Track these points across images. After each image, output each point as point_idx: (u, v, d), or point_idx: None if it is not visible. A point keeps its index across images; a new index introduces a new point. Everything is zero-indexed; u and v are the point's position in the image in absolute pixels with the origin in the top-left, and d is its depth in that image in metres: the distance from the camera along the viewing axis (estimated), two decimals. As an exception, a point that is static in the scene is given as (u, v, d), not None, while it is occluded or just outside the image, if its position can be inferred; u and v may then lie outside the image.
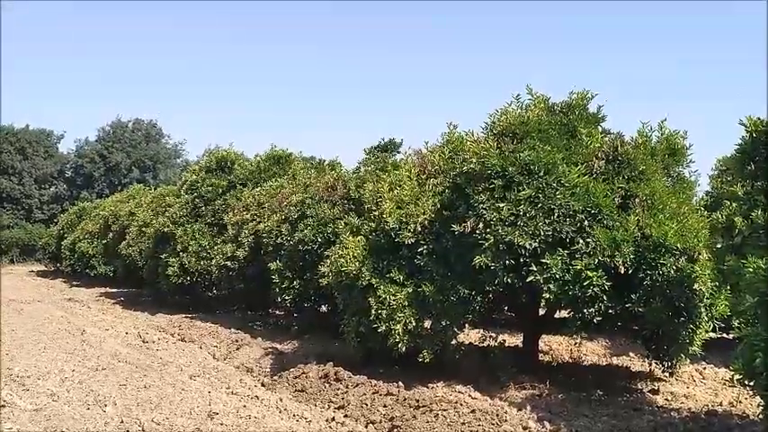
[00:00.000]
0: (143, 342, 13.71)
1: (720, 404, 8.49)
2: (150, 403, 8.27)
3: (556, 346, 11.90)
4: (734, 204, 6.75)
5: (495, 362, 9.92)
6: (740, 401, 8.36)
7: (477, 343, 11.58)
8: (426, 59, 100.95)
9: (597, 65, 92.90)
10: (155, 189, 27.13)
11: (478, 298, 9.00)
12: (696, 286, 7.98)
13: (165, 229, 18.85)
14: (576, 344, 11.45)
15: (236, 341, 13.50)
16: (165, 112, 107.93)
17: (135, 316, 18.63)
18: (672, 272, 7.93)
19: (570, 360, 11.04)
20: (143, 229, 20.98)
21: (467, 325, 9.90)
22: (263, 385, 10.03)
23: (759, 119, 6.64)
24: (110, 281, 28.12)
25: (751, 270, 5.50)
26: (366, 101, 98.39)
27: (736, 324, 9.38)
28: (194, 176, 19.35)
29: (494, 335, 11.38)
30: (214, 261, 16.90)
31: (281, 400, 8.69)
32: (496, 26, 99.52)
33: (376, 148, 29.91)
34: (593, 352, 11.74)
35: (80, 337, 13.82)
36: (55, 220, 44.47)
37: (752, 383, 5.49)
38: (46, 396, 8.39)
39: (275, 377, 10.39)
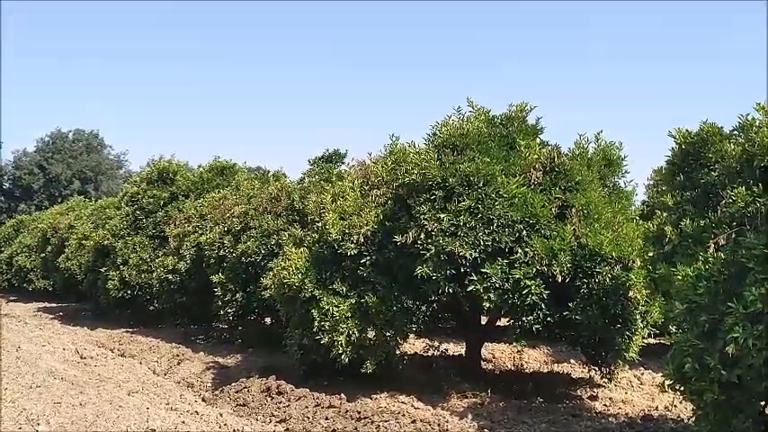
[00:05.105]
0: (81, 358, 13.32)
1: (657, 409, 8.71)
2: (85, 421, 8.02)
3: (499, 355, 12.03)
4: (664, 214, 6.94)
5: (438, 371, 9.98)
6: (675, 406, 8.59)
7: (421, 352, 11.63)
8: (371, 71, 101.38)
9: (538, 75, 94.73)
10: (96, 201, 26.52)
11: (422, 308, 9.07)
12: (631, 294, 8.20)
13: (105, 242, 18.41)
14: (518, 352, 11.58)
15: (178, 356, 13.25)
16: (106, 123, 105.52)
17: (74, 331, 18.09)
18: (607, 280, 8.14)
19: (512, 368, 11.17)
20: (83, 242, 20.46)
21: (412, 335, 9.95)
22: (203, 400, 9.87)
23: (687, 131, 6.87)
24: (48, 295, 27.30)
25: (680, 278, 5.66)
26: (312, 111, 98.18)
27: (673, 330, 9.68)
28: (135, 188, 18.96)
29: (438, 344, 11.46)
30: (155, 274, 16.58)
31: (221, 415, 8.54)
32: (441, 38, 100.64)
33: (321, 159, 29.93)
34: (536, 359, 11.90)
35: (15, 353, 13.31)
36: (-9, 234, 43.00)
37: (682, 388, 5.63)
38: (-25, 416, 8.07)
39: (216, 392, 10.23)
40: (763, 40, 79.64)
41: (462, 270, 8.24)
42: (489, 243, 8.19)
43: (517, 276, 8.00)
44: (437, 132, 9.25)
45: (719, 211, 5.91)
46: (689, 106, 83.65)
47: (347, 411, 8.35)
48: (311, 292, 9.12)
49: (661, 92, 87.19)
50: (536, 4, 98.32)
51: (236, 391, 9.83)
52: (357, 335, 8.80)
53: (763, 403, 5.23)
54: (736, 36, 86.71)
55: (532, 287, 7.95)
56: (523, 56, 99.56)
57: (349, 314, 8.83)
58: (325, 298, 8.97)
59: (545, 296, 8.03)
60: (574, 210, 8.55)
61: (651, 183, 12.96)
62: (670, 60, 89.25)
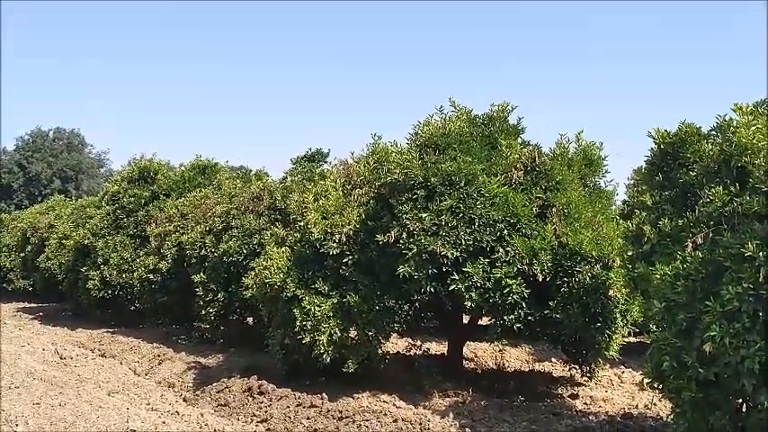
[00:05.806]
0: (61, 358, 13.21)
1: (636, 407, 8.77)
2: (64, 422, 7.96)
3: (481, 353, 12.06)
4: (643, 213, 6.98)
5: (420, 370, 9.99)
6: (655, 404, 8.66)
7: (404, 352, 11.64)
8: (356, 70, 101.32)
9: (530, 75, 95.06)
10: (76, 200, 26.30)
11: (404, 307, 9.06)
12: (611, 293, 8.25)
13: (86, 242, 18.26)
14: (499, 350, 11.62)
15: (159, 356, 13.17)
16: (88, 122, 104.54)
17: (54, 331, 17.92)
18: (587, 279, 8.19)
19: (494, 367, 11.20)
20: (63, 241, 20.27)
21: (394, 334, 9.96)
22: (184, 400, 9.83)
23: (666, 131, 6.91)
24: (28, 295, 27.03)
25: (658, 276, 5.70)
26: (295, 110, 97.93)
27: (653, 328, 9.77)
28: (116, 187, 18.82)
29: (420, 343, 11.47)
30: (136, 274, 16.46)
31: (202, 415, 8.51)
32: (426, 38, 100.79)
33: (303, 158, 29.86)
34: (517, 358, 11.95)
35: (-7, 354, 13.20)
36: (-31, 233, 42.47)
37: (661, 387, 5.68)
38: (-48, 418, 7.97)
39: (197, 392, 10.19)
40: (763, 40, 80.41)
41: (444, 269, 8.25)
42: (471, 242, 8.22)
43: (498, 275, 8.04)
44: (419, 132, 9.27)
45: (697, 211, 5.95)
46: (689, 106, 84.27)
47: (329, 411, 8.34)
48: (293, 291, 9.10)
49: (661, 92, 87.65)
50: (529, 4, 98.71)
51: (218, 391, 9.79)
52: (339, 334, 8.79)
53: (739, 401, 5.28)
54: (736, 36, 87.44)
55: (513, 286, 7.99)
56: (513, 56, 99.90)
57: (331, 314, 8.82)
58: (306, 297, 8.95)
59: (526, 295, 8.07)
60: (554, 209, 8.59)
61: (632, 182, 13.03)
62: (669, 60, 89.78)
